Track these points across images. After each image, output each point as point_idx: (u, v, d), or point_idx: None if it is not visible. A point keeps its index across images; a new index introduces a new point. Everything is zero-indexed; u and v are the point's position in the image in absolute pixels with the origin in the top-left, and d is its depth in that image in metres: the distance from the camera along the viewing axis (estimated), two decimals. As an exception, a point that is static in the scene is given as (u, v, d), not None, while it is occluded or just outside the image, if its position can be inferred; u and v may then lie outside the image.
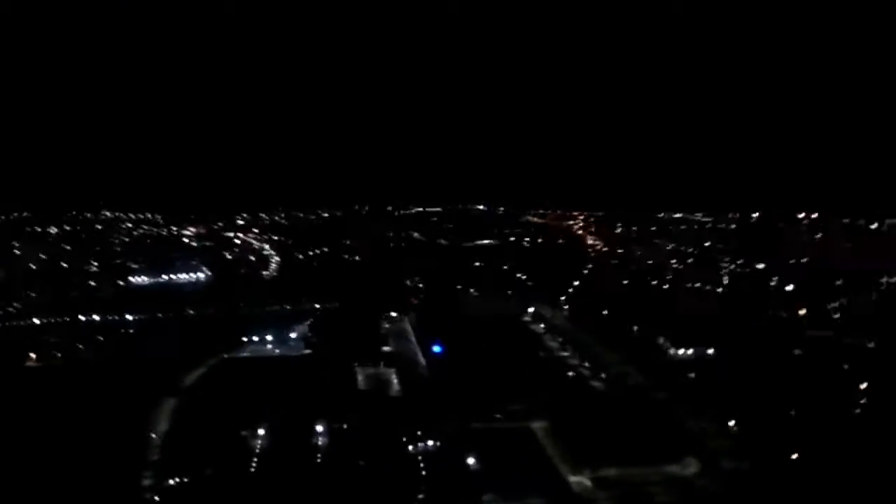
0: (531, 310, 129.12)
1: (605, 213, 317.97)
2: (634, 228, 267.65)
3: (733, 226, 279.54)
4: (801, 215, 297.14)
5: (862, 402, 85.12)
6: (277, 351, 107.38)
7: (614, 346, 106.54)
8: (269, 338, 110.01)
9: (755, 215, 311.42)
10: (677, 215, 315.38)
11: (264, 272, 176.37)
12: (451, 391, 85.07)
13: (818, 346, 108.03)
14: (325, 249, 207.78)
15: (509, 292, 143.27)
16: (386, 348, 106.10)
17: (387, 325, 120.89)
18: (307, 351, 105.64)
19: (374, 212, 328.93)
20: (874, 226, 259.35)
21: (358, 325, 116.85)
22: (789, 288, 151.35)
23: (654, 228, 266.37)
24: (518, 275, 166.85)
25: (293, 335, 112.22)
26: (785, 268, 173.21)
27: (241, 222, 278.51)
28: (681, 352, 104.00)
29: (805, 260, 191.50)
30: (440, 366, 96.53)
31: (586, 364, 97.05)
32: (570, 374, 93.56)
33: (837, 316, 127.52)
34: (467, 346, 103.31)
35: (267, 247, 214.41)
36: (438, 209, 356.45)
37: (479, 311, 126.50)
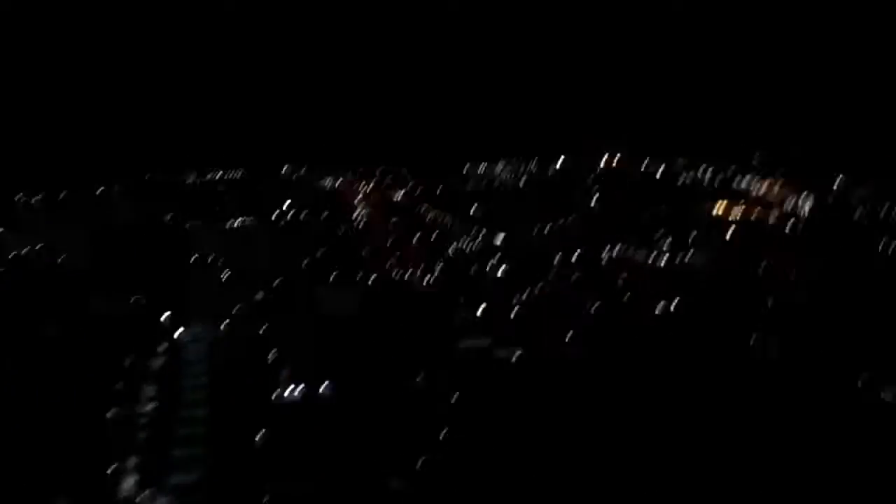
0: (188, 330, 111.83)
1: (407, 170, 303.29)
2: (420, 189, 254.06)
3: (524, 178, 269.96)
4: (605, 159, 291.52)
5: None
6: None
7: (228, 385, 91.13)
8: None
9: (560, 160, 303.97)
10: (482, 165, 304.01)
11: None
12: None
13: (462, 361, 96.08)
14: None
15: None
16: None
17: None
18: None
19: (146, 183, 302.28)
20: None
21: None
22: (500, 271, 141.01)
23: (440, 187, 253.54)
24: (223, 275, 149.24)
25: None
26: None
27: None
28: (287, 393, 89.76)
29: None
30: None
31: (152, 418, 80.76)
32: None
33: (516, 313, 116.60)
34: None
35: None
36: (238, 172, 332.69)
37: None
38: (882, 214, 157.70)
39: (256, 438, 76.22)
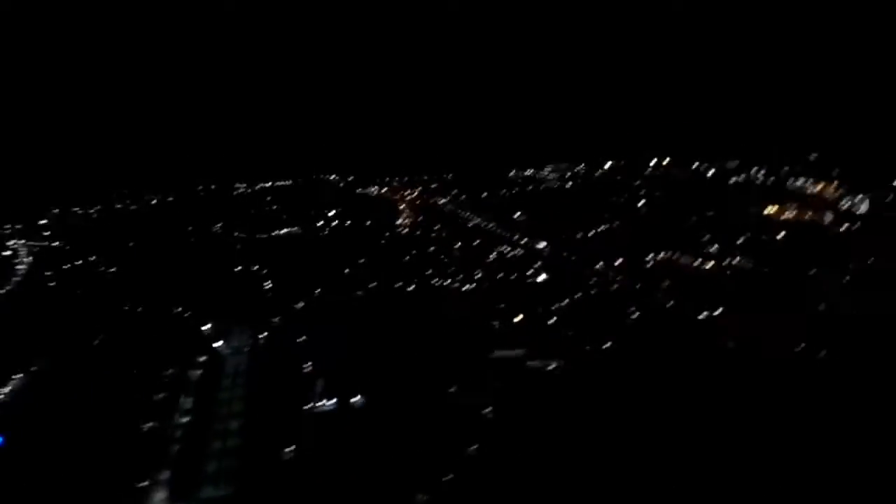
0: (228, 341, 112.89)
1: (452, 176, 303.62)
2: (463, 197, 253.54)
3: (567, 184, 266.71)
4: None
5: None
6: None
7: (263, 397, 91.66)
8: None
9: (608, 164, 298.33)
10: (527, 172, 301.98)
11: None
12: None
13: (494, 372, 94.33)
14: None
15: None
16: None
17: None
18: None
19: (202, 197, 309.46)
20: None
21: None
22: (541, 278, 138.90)
23: (484, 195, 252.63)
24: (266, 285, 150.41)
25: None
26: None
27: None
28: (321, 404, 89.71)
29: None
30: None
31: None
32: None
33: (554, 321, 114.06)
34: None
35: None
36: (288, 182, 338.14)
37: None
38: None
39: (287, 451, 76.10)
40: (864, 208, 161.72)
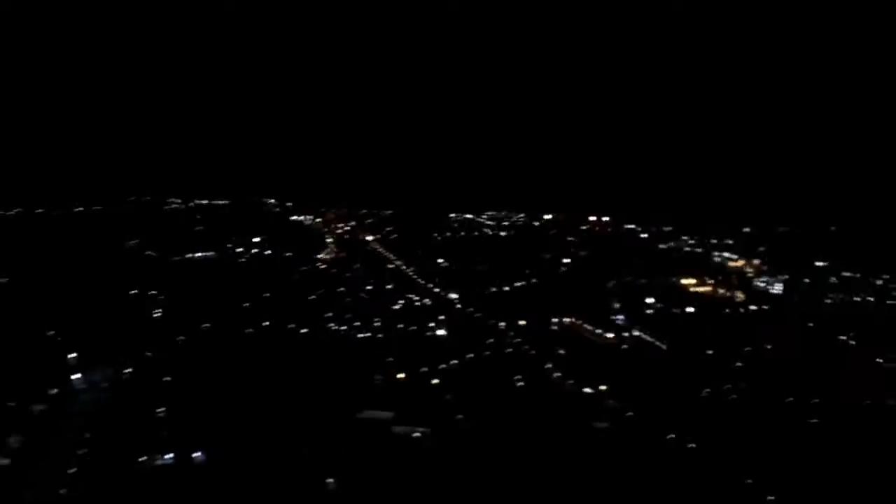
0: (86, 375, 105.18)
1: (391, 213, 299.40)
2: (393, 236, 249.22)
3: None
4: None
5: None
6: None
7: (103, 444, 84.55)
8: None
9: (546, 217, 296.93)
10: (466, 216, 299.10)
11: None
12: None
13: (355, 434, 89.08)
14: None
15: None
16: None
17: None
18: None
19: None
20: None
21: None
22: (440, 332, 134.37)
23: (415, 236, 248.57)
24: (155, 313, 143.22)
25: None
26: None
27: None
28: (160, 458, 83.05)
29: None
30: None
31: None
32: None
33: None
34: None
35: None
36: (224, 202, 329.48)
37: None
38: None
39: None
40: (777, 289, 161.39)
